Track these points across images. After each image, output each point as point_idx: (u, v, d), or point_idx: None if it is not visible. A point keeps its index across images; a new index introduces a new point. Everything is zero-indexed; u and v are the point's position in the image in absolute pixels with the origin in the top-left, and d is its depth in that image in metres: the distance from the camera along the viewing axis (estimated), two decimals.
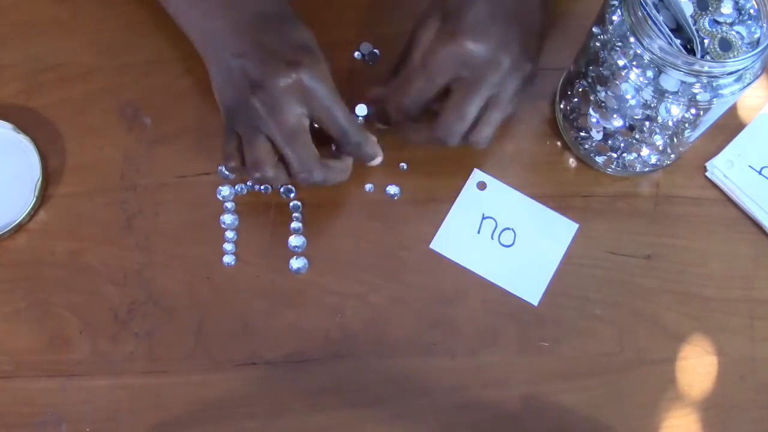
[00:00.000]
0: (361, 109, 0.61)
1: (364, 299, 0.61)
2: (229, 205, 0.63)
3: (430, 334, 0.60)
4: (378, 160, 0.61)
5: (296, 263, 0.62)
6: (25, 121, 0.64)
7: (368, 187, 0.63)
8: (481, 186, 0.63)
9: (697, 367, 0.60)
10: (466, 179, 0.64)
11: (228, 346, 0.60)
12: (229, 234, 0.62)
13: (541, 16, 0.60)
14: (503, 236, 0.62)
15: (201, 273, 0.61)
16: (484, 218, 0.63)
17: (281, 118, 0.55)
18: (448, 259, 0.62)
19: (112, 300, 0.61)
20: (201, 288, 0.61)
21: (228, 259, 0.62)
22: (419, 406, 0.59)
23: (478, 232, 0.62)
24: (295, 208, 0.63)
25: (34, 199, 0.62)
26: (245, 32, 0.57)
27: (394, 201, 0.63)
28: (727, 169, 0.64)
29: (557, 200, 0.63)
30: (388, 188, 0.63)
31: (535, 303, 0.61)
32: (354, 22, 0.68)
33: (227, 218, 0.63)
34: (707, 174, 0.64)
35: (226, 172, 0.63)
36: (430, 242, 0.62)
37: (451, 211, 0.63)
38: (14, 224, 0.61)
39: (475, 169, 0.64)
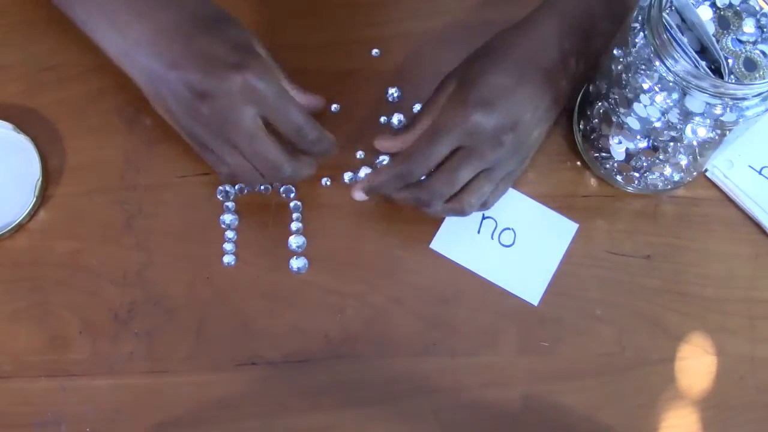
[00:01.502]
0: (364, 172, 0.63)
1: (364, 299, 0.61)
2: (229, 205, 0.63)
3: (430, 334, 0.60)
4: (360, 196, 0.60)
5: (296, 263, 0.62)
6: (25, 121, 0.64)
7: None
8: None
9: (697, 367, 0.60)
10: None
11: (228, 346, 0.60)
12: (229, 234, 0.62)
13: (567, 86, 0.59)
14: (503, 236, 0.62)
15: (201, 273, 0.61)
16: (484, 218, 0.63)
17: (236, 124, 0.54)
18: (449, 259, 0.62)
19: (112, 300, 0.61)
20: (201, 288, 0.61)
21: (228, 259, 0.62)
22: (419, 406, 0.59)
23: (478, 232, 0.62)
24: (296, 208, 0.63)
25: (34, 199, 0.62)
26: (173, 39, 0.54)
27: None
28: (727, 169, 0.64)
29: (557, 200, 0.63)
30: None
31: (536, 303, 0.61)
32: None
33: (227, 218, 0.63)
34: (707, 174, 0.64)
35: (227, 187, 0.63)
36: (430, 242, 0.62)
37: None
38: (14, 224, 0.61)
39: None
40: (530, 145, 0.59)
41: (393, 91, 0.65)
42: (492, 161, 0.57)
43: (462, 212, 0.58)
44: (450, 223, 0.62)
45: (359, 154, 0.64)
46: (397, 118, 0.64)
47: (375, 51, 0.67)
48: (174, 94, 0.54)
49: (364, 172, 0.63)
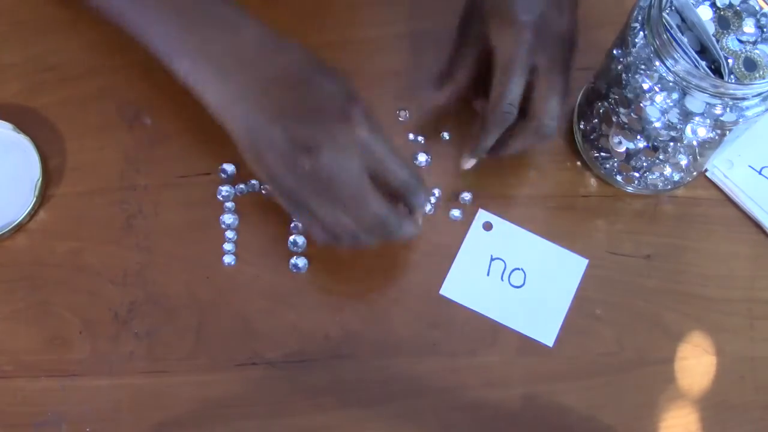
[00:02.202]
0: (422, 157, 0.62)
1: (364, 299, 0.61)
2: (229, 205, 0.63)
3: (430, 334, 0.60)
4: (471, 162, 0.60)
5: (296, 263, 0.62)
6: (25, 121, 0.64)
7: None
8: (488, 227, 0.63)
9: (697, 367, 0.60)
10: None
11: (228, 346, 0.60)
12: (229, 234, 0.62)
13: (575, 12, 0.59)
14: (513, 277, 0.61)
15: (201, 273, 0.61)
16: (492, 259, 0.62)
17: (347, 178, 0.51)
18: (459, 304, 0.61)
19: (112, 300, 0.61)
20: (201, 288, 0.61)
21: (228, 259, 0.62)
22: (419, 406, 0.59)
23: (488, 275, 0.62)
24: None
25: (34, 199, 0.62)
26: (277, 90, 0.52)
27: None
28: (727, 169, 0.64)
29: (557, 200, 0.63)
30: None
31: (551, 344, 0.60)
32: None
33: (227, 218, 0.63)
34: (707, 174, 0.64)
35: (224, 176, 0.63)
36: (439, 288, 0.61)
37: (458, 254, 0.62)
38: (14, 224, 0.61)
39: (480, 209, 0.63)
40: (569, 61, 0.58)
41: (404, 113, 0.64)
42: (561, 63, 0.56)
43: (543, 131, 0.57)
44: (459, 268, 0.61)
45: None
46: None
47: (375, 52, 0.67)
48: (275, 148, 0.51)
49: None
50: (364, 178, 0.52)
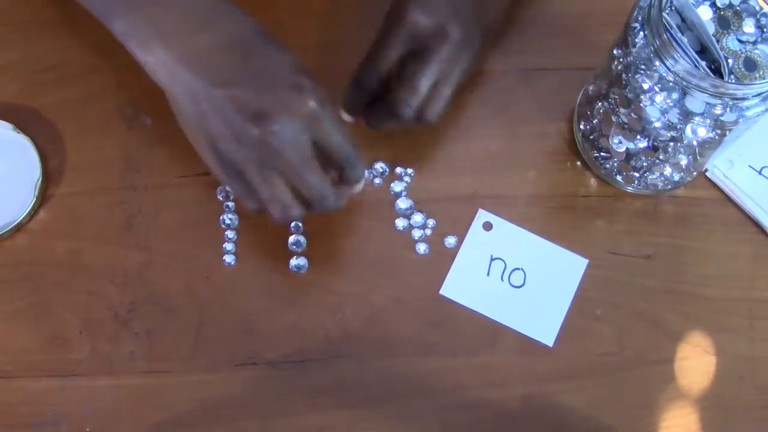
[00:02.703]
0: (381, 166, 0.63)
1: (364, 299, 0.61)
2: (229, 204, 0.63)
3: (430, 334, 0.60)
4: (361, 185, 0.59)
5: (296, 263, 0.62)
6: (25, 121, 0.64)
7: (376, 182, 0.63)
8: (488, 227, 0.63)
9: (697, 367, 0.60)
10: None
11: (228, 346, 0.60)
12: (229, 234, 0.62)
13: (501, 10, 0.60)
14: (513, 277, 0.61)
15: (201, 273, 0.61)
16: (492, 259, 0.62)
17: (294, 148, 0.51)
18: (459, 304, 0.61)
19: (112, 300, 0.61)
20: (201, 288, 0.61)
21: (228, 259, 0.62)
22: (419, 406, 0.59)
23: (488, 275, 0.62)
24: None
25: (34, 199, 0.62)
26: (225, 57, 0.51)
27: (394, 199, 0.63)
28: (727, 169, 0.64)
29: (557, 200, 0.63)
30: (392, 185, 0.63)
31: (551, 344, 0.60)
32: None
33: (227, 218, 0.63)
34: (707, 174, 0.64)
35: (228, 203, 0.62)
36: (439, 288, 0.62)
37: (458, 254, 0.62)
38: (14, 224, 0.61)
39: (480, 209, 0.63)
40: (475, 37, 0.58)
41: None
42: (445, 57, 0.56)
43: (429, 121, 0.58)
44: (459, 268, 0.61)
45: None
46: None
47: None
48: (221, 114, 0.51)
49: (380, 166, 0.63)
50: (309, 149, 0.52)
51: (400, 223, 0.62)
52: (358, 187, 0.57)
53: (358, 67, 0.60)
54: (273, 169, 0.52)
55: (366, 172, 0.62)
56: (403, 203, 0.63)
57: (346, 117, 0.61)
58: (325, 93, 0.53)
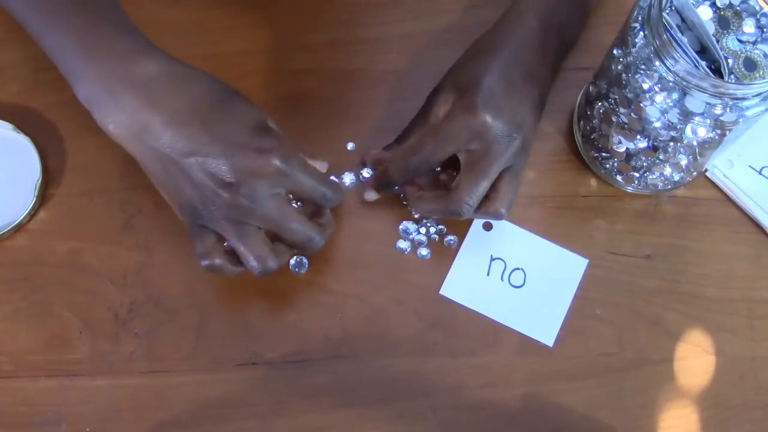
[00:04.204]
0: (368, 172, 0.62)
1: (364, 299, 0.61)
2: None
3: (430, 334, 0.60)
4: (373, 195, 0.61)
5: (296, 263, 0.62)
6: (25, 121, 0.64)
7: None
8: (488, 227, 0.63)
9: (697, 367, 0.60)
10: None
11: (228, 346, 0.60)
12: None
13: (549, 82, 0.60)
14: (513, 277, 0.61)
15: (201, 273, 0.61)
16: (492, 259, 0.62)
17: (266, 207, 0.53)
18: (459, 304, 0.61)
19: (112, 300, 0.61)
20: (201, 288, 0.61)
21: None
22: (419, 406, 0.59)
23: (488, 275, 0.62)
24: None
25: (34, 199, 0.62)
26: (189, 124, 0.52)
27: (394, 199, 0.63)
28: (727, 169, 0.64)
29: (557, 200, 0.63)
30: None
31: (551, 344, 0.60)
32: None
33: None
34: (707, 174, 0.64)
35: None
36: (439, 288, 0.62)
37: (458, 254, 0.62)
38: (14, 224, 0.61)
39: None
40: (531, 140, 0.59)
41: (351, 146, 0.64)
42: (508, 160, 0.57)
43: (500, 216, 0.58)
44: (459, 268, 0.62)
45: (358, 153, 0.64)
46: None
47: (375, 52, 0.67)
48: (190, 180, 0.52)
49: (367, 172, 0.63)
50: (283, 200, 0.54)
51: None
52: (369, 195, 0.60)
53: (400, 151, 0.59)
54: (248, 226, 0.53)
55: (351, 178, 0.63)
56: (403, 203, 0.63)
57: (371, 196, 0.61)
58: (289, 145, 0.54)
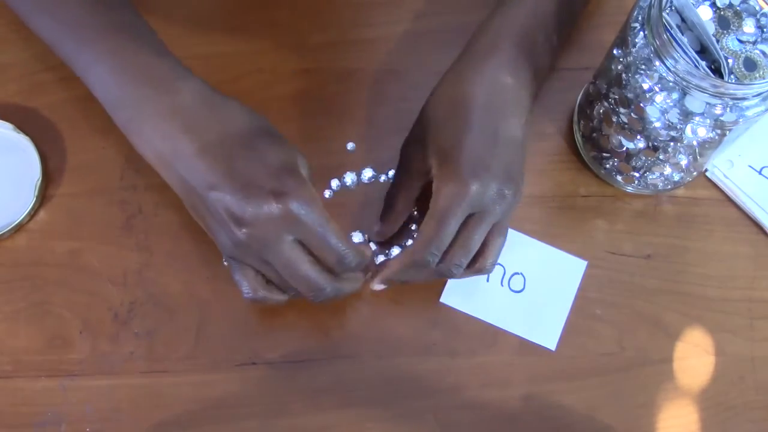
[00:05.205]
0: (370, 171, 0.62)
1: (364, 299, 0.61)
2: None
3: (430, 334, 0.60)
4: (381, 286, 0.59)
5: None
6: (25, 121, 0.64)
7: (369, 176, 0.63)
8: None
9: (697, 367, 0.60)
10: None
11: (228, 346, 0.60)
12: None
13: (523, 133, 0.57)
14: (513, 282, 0.61)
15: (201, 273, 0.61)
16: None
17: (275, 252, 0.52)
18: (460, 311, 0.61)
19: (112, 300, 0.61)
20: (201, 288, 0.61)
21: None
22: (419, 406, 0.59)
23: (487, 280, 0.61)
24: None
25: (34, 199, 0.62)
26: (215, 158, 0.52)
27: None
28: (727, 169, 0.64)
29: (557, 200, 0.63)
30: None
31: (553, 348, 0.60)
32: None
33: None
34: (707, 174, 0.64)
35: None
36: (439, 296, 0.61)
37: None
38: (14, 224, 0.61)
39: None
40: (522, 181, 0.57)
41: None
42: (500, 214, 0.56)
43: (486, 272, 0.58)
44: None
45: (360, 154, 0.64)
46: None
47: (375, 52, 0.67)
48: (211, 213, 0.53)
49: (379, 259, 0.62)
50: (295, 248, 0.53)
51: None
52: (377, 287, 0.58)
53: (409, 255, 0.56)
54: (265, 262, 0.54)
55: (353, 178, 0.62)
56: None
57: (379, 286, 0.59)
58: (311, 195, 0.52)
